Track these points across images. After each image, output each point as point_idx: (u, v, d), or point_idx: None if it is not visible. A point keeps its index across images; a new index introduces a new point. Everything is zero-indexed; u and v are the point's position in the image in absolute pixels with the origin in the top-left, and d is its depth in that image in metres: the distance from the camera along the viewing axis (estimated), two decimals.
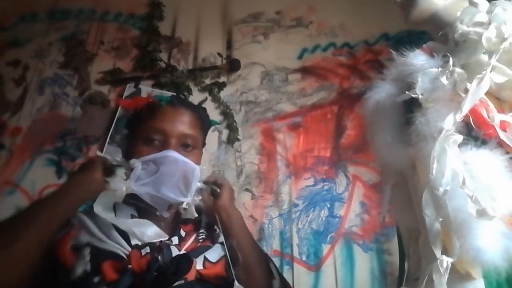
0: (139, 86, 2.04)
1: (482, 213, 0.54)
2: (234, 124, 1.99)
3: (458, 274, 0.59)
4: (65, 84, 2.08)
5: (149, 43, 2.14)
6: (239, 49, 2.19)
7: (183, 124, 0.90)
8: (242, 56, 2.15)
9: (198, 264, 0.80)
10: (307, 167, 1.92)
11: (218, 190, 0.92)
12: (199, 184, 0.89)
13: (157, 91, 1.96)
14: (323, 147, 1.96)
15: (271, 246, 1.76)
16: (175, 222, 0.90)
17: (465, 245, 0.56)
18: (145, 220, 0.84)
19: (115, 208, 0.85)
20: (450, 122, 0.61)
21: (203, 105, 1.41)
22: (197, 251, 0.84)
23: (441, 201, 0.59)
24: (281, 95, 2.08)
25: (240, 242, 0.87)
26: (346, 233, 1.80)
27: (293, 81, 2.11)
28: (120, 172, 0.85)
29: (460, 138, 0.61)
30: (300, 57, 2.17)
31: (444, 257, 0.58)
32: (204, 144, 0.99)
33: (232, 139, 1.96)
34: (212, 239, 0.90)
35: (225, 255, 0.85)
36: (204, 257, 0.83)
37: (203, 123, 0.97)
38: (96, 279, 0.73)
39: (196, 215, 0.89)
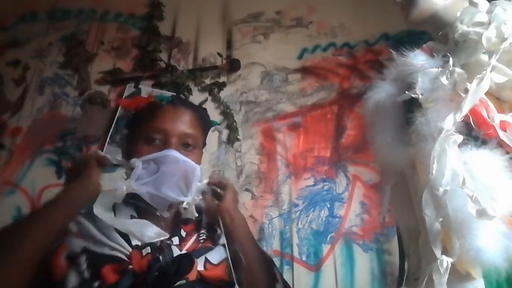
0: (139, 86, 2.04)
1: (482, 213, 0.54)
2: (234, 124, 1.99)
3: (458, 274, 0.59)
4: (65, 84, 2.08)
5: (149, 43, 2.14)
6: (239, 49, 2.19)
7: (184, 123, 0.90)
8: (242, 56, 2.15)
9: (199, 265, 0.80)
10: (307, 167, 1.92)
11: (221, 192, 0.91)
12: (201, 186, 0.89)
13: (157, 91, 1.96)
14: (323, 147, 1.96)
15: (271, 246, 1.76)
16: (175, 222, 0.89)
17: (465, 245, 0.56)
18: (145, 221, 0.83)
19: (114, 209, 0.84)
20: (450, 122, 0.61)
21: (204, 106, 1.41)
22: (198, 251, 0.83)
23: (441, 201, 0.59)
24: (281, 95, 2.08)
25: (244, 246, 0.86)
26: (346, 233, 1.80)
27: (293, 81, 2.11)
28: (121, 171, 0.85)
29: (460, 138, 0.61)
30: (300, 57, 2.17)
31: (444, 257, 0.58)
32: (204, 144, 0.98)
33: (232, 139, 1.96)
34: (213, 239, 0.89)
35: (226, 258, 0.85)
36: (205, 258, 0.82)
37: (204, 123, 0.97)
38: (95, 284, 0.73)
39: (197, 215, 0.89)
